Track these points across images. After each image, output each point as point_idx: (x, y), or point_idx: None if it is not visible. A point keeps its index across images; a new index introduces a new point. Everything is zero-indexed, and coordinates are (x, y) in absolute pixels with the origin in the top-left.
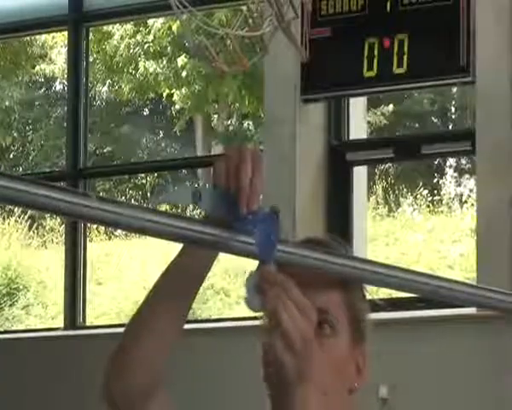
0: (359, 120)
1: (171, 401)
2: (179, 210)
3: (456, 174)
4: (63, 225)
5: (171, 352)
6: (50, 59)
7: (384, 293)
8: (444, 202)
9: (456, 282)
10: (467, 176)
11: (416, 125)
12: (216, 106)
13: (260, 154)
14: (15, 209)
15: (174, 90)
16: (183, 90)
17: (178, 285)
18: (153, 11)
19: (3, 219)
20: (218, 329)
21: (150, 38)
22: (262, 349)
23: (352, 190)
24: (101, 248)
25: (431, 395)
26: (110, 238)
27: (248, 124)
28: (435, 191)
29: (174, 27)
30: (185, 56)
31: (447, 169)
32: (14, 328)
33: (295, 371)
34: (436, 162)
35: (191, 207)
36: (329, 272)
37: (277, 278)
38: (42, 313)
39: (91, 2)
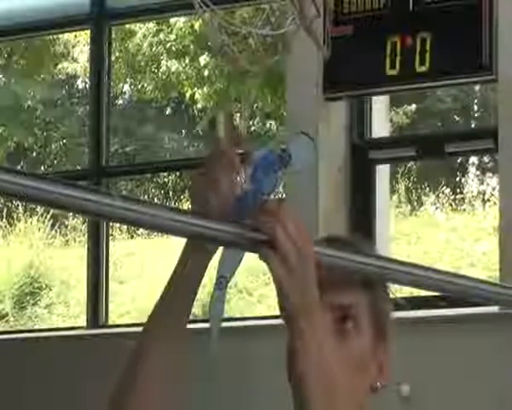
0: (382, 118)
1: None
2: None
3: (478, 172)
4: (85, 224)
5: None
6: (73, 57)
7: (406, 292)
8: (466, 201)
9: (479, 280)
10: (489, 174)
11: (439, 123)
12: (238, 105)
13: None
14: (38, 208)
15: (196, 89)
16: (206, 89)
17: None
18: (175, 10)
19: (26, 218)
20: (241, 328)
21: (172, 36)
22: (286, 349)
23: (374, 188)
24: (123, 246)
25: (453, 393)
26: (132, 237)
27: (270, 123)
28: (458, 190)
29: (196, 26)
30: (207, 55)
31: (470, 167)
32: (36, 327)
33: (295, 291)
34: (459, 161)
35: None
36: (352, 270)
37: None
38: (64, 311)
39: (114, 0)
